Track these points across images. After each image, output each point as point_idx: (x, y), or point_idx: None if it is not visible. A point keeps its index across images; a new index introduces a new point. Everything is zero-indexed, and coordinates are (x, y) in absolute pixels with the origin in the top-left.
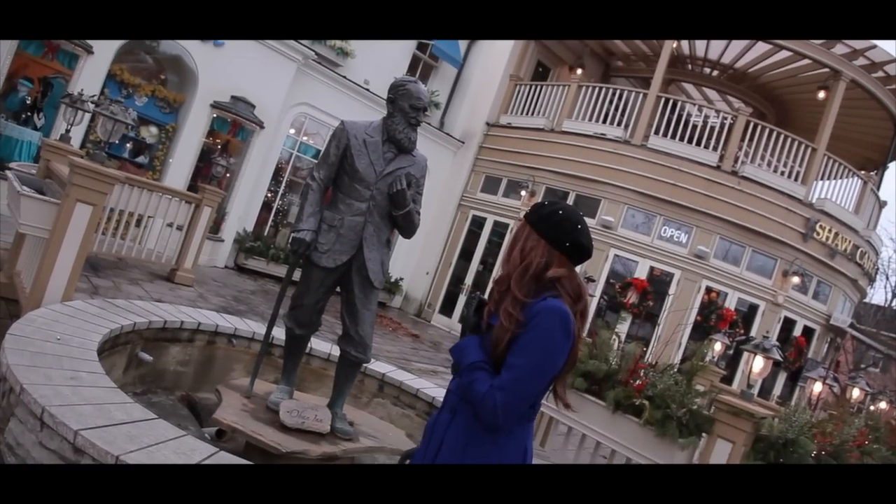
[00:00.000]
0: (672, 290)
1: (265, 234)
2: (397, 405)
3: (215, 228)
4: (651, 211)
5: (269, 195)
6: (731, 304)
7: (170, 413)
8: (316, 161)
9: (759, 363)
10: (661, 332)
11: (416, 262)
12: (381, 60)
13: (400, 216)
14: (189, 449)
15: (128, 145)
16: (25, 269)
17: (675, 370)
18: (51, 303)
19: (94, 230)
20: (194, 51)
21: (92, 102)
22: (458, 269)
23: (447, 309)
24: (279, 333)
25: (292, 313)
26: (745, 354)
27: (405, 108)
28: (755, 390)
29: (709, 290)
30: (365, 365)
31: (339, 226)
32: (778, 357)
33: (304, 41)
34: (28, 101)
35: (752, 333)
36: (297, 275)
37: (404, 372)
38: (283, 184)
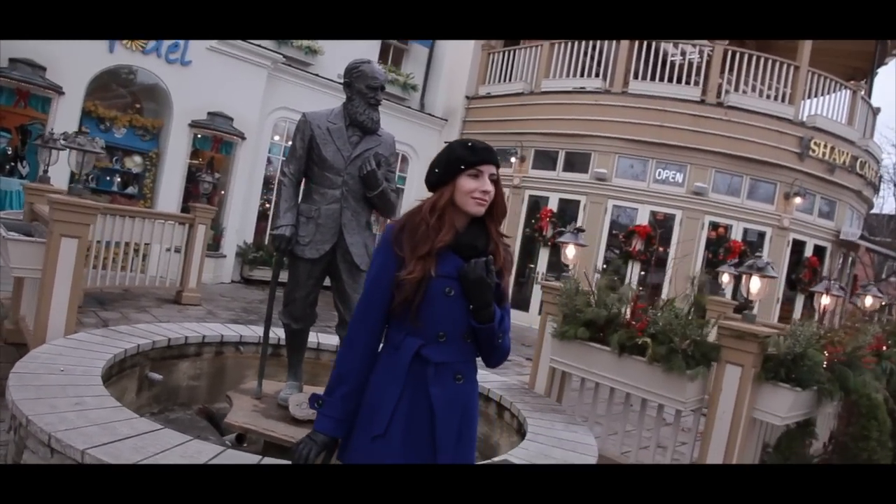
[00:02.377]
0: (676, 230)
1: (265, 242)
2: None
3: (215, 245)
4: (643, 156)
5: (264, 204)
6: (737, 235)
7: (188, 427)
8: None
9: (755, 283)
10: (673, 275)
11: None
12: (351, 52)
13: (375, 197)
14: (195, 451)
15: (116, 178)
16: (28, 312)
17: (673, 305)
18: (54, 339)
19: (83, 262)
20: (164, 74)
21: (62, 139)
22: None
23: None
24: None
25: (286, 309)
26: (743, 277)
27: (362, 89)
28: (775, 316)
29: (714, 226)
30: None
31: (317, 216)
32: (773, 274)
33: (269, 46)
34: (9, 152)
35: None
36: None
37: None
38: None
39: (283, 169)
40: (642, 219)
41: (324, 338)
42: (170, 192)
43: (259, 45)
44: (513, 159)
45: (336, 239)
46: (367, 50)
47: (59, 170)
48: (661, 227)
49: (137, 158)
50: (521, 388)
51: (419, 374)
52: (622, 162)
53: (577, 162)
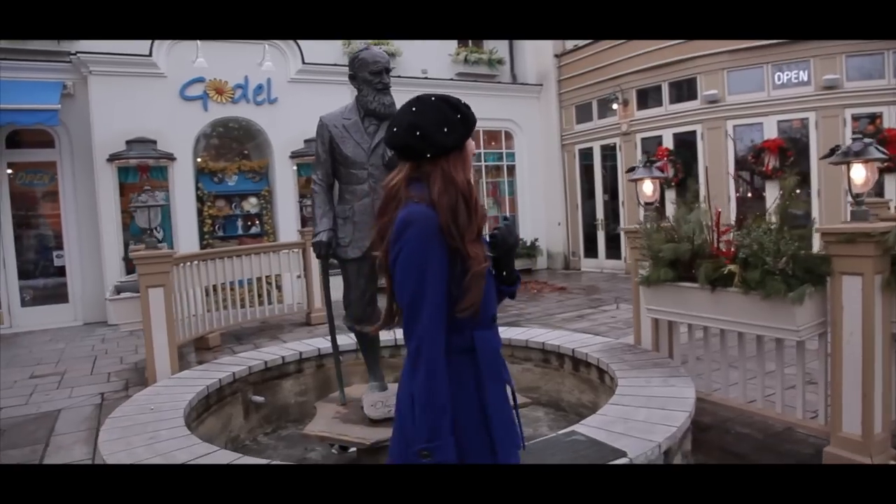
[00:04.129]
0: (812, 136)
1: None
2: (514, 361)
3: None
4: (755, 63)
5: None
6: (890, 122)
7: (297, 442)
8: None
9: (858, 172)
10: (822, 185)
11: (544, 218)
12: (428, 46)
13: None
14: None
15: (238, 223)
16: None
17: (763, 220)
18: (163, 380)
19: (171, 307)
20: (256, 117)
21: (139, 201)
22: (586, 209)
23: (591, 251)
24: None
25: (347, 313)
26: (842, 168)
27: (366, 77)
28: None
29: (856, 118)
30: None
31: (352, 215)
32: (880, 155)
33: (342, 62)
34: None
35: None
36: None
37: (514, 328)
38: None
39: (312, 177)
40: (769, 132)
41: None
42: (287, 223)
43: (335, 65)
44: (614, 106)
45: None
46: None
47: (188, 229)
48: (794, 136)
49: (253, 200)
50: (623, 347)
51: (493, 364)
52: (733, 77)
53: (683, 90)
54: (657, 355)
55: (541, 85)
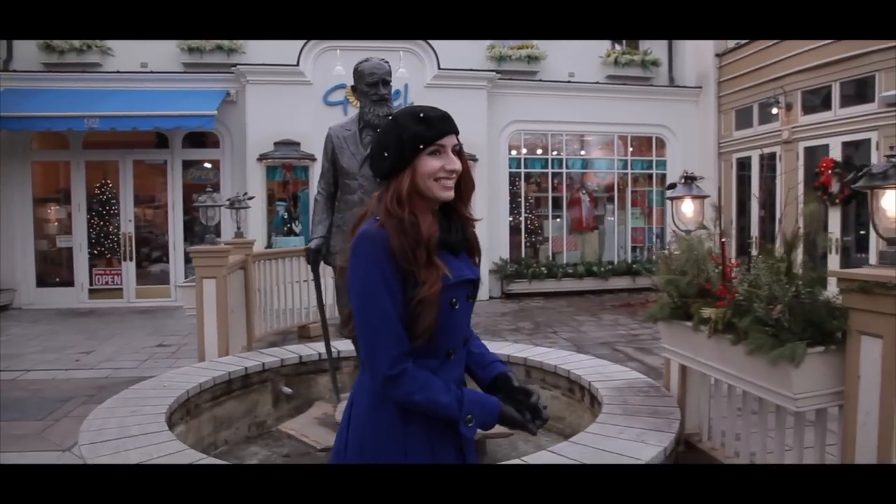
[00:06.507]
0: None
1: (523, 255)
2: (544, 387)
3: None
4: None
5: (516, 218)
6: None
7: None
8: None
9: (890, 201)
10: None
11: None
12: (576, 49)
13: None
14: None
15: None
16: None
17: (768, 257)
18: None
19: (224, 297)
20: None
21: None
22: (740, 224)
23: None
24: None
25: (341, 321)
26: (868, 196)
27: (363, 88)
28: None
29: None
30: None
31: (342, 224)
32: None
33: (480, 67)
34: (285, 217)
35: None
36: None
37: (536, 347)
38: (525, 203)
39: (317, 186)
40: None
41: None
42: None
43: (471, 70)
44: (775, 110)
45: None
46: (594, 41)
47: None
48: None
49: None
50: (645, 386)
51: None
52: None
53: (857, 91)
54: (669, 402)
55: (700, 87)
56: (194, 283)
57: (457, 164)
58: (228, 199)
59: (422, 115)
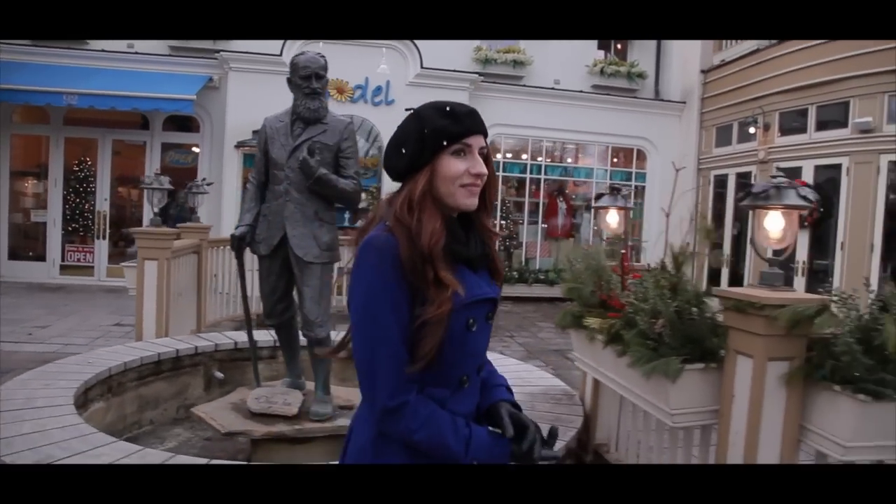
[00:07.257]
0: None
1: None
2: None
3: None
4: None
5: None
6: None
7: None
8: None
9: (773, 222)
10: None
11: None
12: (563, 56)
13: (314, 185)
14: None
15: (345, 215)
16: None
17: (658, 271)
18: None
19: (164, 280)
20: (372, 116)
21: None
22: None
23: (714, 282)
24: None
25: (263, 307)
26: (750, 214)
27: (296, 81)
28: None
29: None
30: None
31: (267, 213)
32: (802, 202)
33: (464, 68)
34: None
35: None
36: None
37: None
38: (501, 207)
39: (249, 175)
40: None
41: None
42: None
43: (454, 71)
44: (752, 129)
45: (282, 233)
46: (582, 48)
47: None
48: None
49: (363, 195)
50: (560, 393)
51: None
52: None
53: (831, 116)
54: (576, 410)
55: (684, 102)
56: (132, 264)
57: (483, 169)
58: (188, 184)
59: (448, 108)
